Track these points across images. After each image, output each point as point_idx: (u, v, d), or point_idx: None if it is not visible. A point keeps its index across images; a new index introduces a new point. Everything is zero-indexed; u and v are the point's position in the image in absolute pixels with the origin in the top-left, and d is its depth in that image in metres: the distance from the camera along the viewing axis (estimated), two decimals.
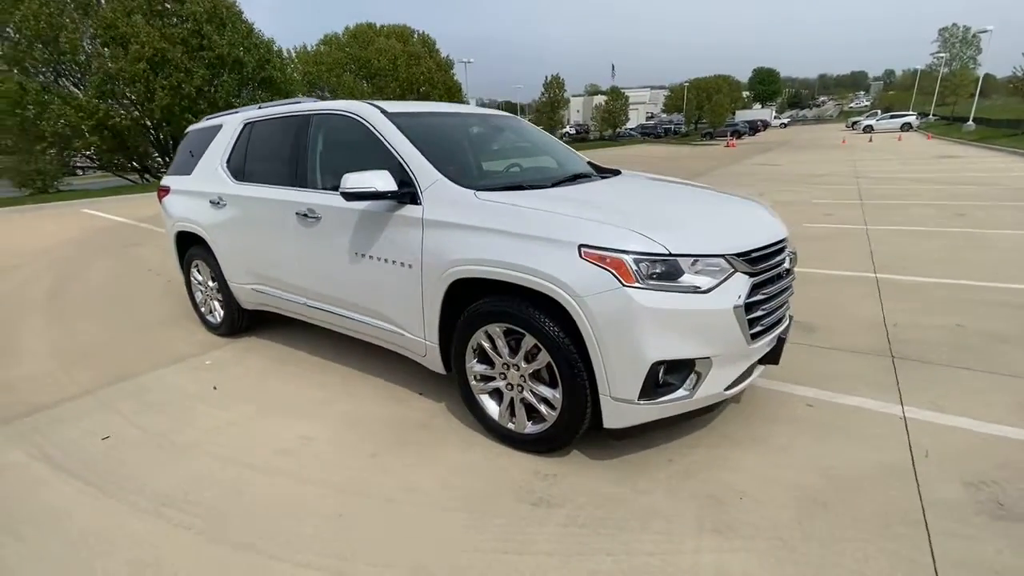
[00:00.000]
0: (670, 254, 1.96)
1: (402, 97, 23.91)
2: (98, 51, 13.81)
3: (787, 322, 2.48)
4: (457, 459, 2.38)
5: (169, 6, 14.91)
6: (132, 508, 2.13)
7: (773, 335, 2.31)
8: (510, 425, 2.41)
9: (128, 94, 14.14)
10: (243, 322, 4.01)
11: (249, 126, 3.61)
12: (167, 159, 18.02)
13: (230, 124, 3.77)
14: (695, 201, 2.75)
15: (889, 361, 3.12)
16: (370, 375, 3.29)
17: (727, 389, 2.17)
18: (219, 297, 4.00)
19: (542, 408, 2.27)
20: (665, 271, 1.97)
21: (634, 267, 1.93)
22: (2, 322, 4.63)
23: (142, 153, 16.63)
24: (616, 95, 46.16)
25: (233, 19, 16.60)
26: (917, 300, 4.14)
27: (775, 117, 70.99)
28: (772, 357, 2.38)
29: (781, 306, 2.38)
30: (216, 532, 1.98)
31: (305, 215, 3.01)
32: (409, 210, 2.52)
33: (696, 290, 1.98)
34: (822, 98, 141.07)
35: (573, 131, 58.59)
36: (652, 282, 1.95)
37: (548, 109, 35.47)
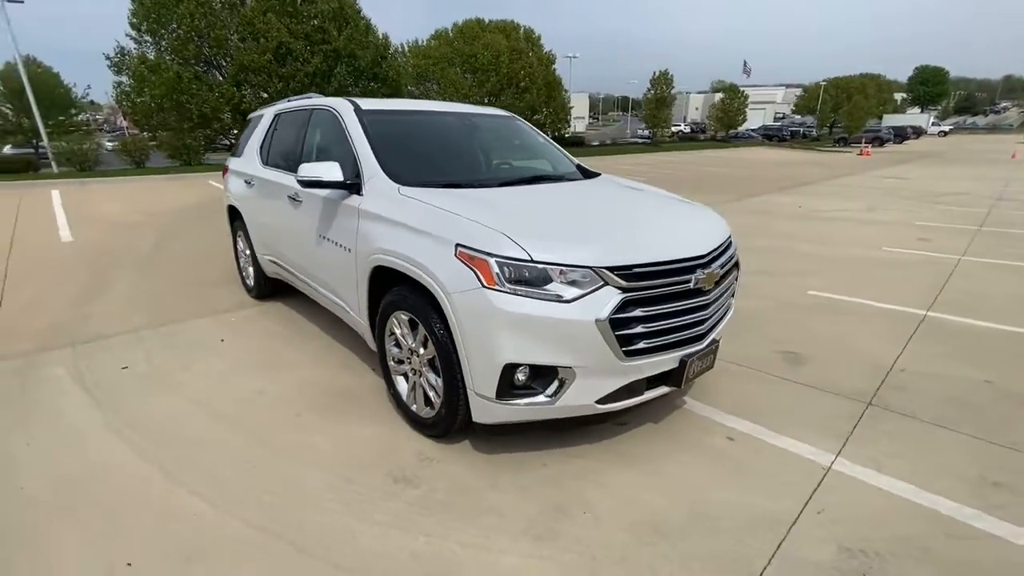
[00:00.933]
0: (532, 260, 1.98)
1: (501, 91, 24.55)
2: (237, 45, 16.05)
3: (700, 345, 2.33)
4: (363, 430, 2.60)
5: (300, 5, 16.84)
6: (106, 424, 2.65)
7: (671, 355, 2.21)
8: (413, 407, 2.58)
9: (254, 82, 16.27)
10: (267, 288, 4.57)
11: (277, 117, 4.11)
12: None
13: (267, 115, 4.31)
14: (626, 211, 2.71)
15: (861, 408, 2.76)
16: (345, 347, 3.62)
17: (600, 403, 2.14)
18: (252, 264, 4.61)
19: (431, 395, 2.41)
20: (528, 277, 1.99)
21: (496, 269, 1.99)
22: (109, 266, 5.74)
23: None
24: (734, 92, 42.80)
25: (354, 17, 18.26)
26: (954, 346, 3.54)
27: (933, 123, 60.96)
28: (675, 379, 2.28)
29: (689, 326, 2.26)
30: (148, 452, 2.41)
31: (292, 198, 3.40)
32: (354, 200, 2.77)
33: (559, 299, 1.98)
34: (1003, 103, 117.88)
35: (687, 129, 55.41)
36: (513, 286, 1.99)
37: (653, 106, 33.94)
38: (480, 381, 2.08)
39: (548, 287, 2.00)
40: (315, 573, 1.74)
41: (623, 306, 2.04)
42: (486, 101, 25.73)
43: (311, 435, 2.55)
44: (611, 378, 2.11)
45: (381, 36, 19.78)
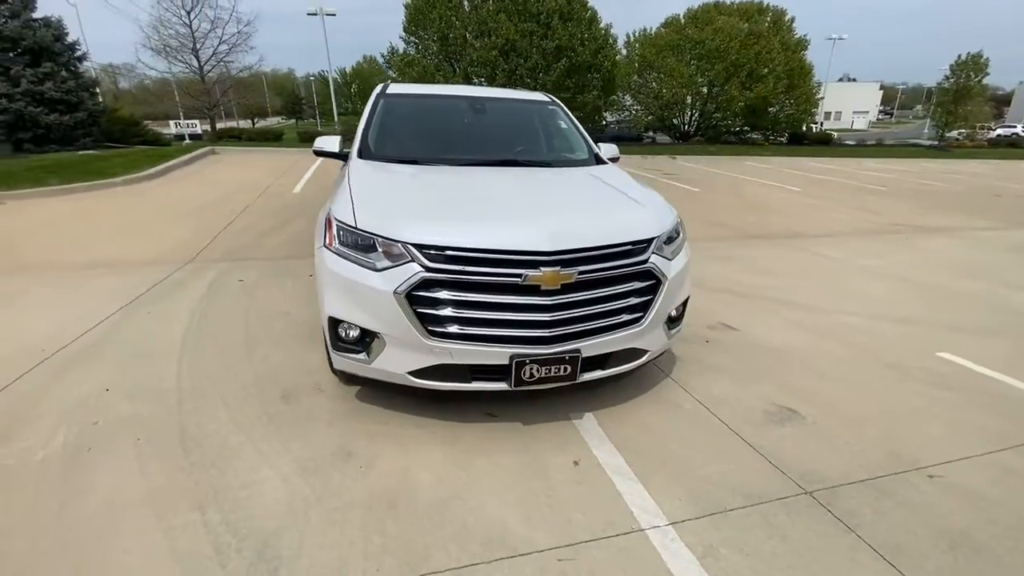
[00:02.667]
0: (356, 227, 2.18)
1: (727, 79, 22.05)
2: (471, 43, 18.45)
3: (542, 348, 2.15)
4: (309, 356, 3.16)
5: (529, 3, 18.31)
6: (190, 311, 3.84)
7: (496, 350, 2.12)
8: None
9: (481, 75, 18.48)
10: None
11: None
12: None
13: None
14: (533, 198, 2.65)
15: (788, 483, 2.08)
16: None
17: (414, 376, 2.21)
18: None
19: None
20: (354, 242, 2.20)
21: (335, 232, 2.26)
22: (306, 213, 7.65)
23: None
24: None
25: (579, 11, 18.96)
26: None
27: None
28: (515, 380, 2.17)
29: (523, 324, 2.13)
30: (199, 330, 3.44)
31: None
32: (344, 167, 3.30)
33: (372, 267, 2.14)
34: None
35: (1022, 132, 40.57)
36: (343, 249, 2.22)
37: (950, 99, 25.64)
38: (324, 331, 2.39)
39: (370, 255, 2.17)
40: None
41: (426, 284, 2.08)
42: (707, 91, 23.66)
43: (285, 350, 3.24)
44: (418, 354, 2.16)
45: (603, 27, 20.05)
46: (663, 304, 2.41)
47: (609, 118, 26.61)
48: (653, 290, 2.36)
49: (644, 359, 2.52)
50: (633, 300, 2.32)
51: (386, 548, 1.76)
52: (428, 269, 2.08)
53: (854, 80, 77.40)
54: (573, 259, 2.13)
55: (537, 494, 2.05)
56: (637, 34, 25.53)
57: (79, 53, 20.26)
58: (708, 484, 2.12)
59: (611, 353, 2.36)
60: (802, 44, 23.73)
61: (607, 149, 3.75)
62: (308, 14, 21.01)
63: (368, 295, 2.14)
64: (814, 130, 27.63)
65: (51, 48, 18.66)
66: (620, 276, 2.27)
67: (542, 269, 2.08)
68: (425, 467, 2.18)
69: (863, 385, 3.02)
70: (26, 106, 17.25)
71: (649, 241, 2.34)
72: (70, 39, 19.76)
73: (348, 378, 2.54)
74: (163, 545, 1.76)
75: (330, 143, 3.28)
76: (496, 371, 2.19)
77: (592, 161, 3.43)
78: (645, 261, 2.31)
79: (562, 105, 3.92)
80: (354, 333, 2.26)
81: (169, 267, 4.87)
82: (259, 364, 3.04)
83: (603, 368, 2.39)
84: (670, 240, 2.55)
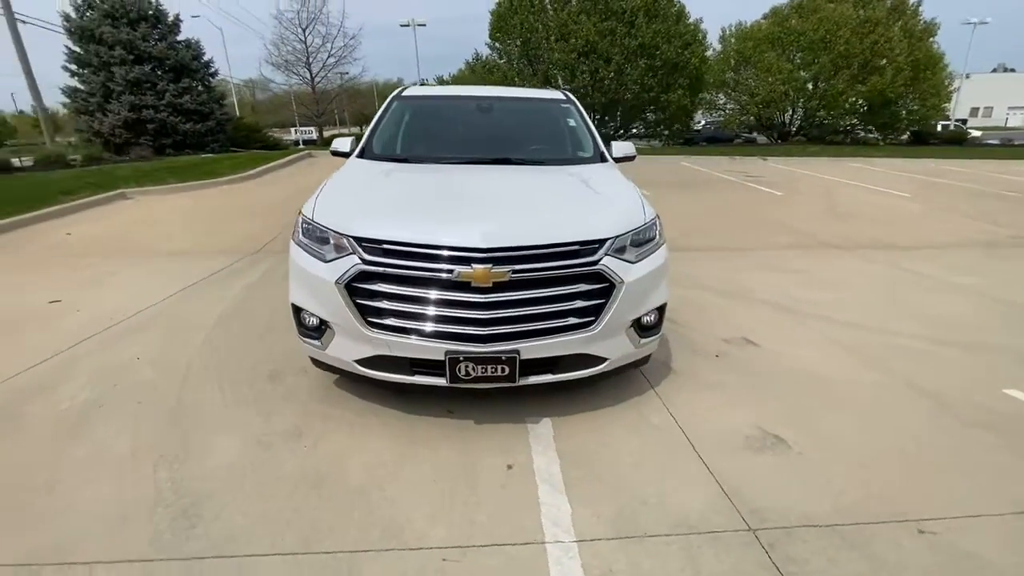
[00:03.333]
0: (312, 221, 2.30)
1: (834, 74, 19.74)
2: (551, 45, 18.48)
3: (478, 347, 2.12)
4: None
5: (612, 2, 17.94)
6: (244, 286, 4.29)
7: (431, 345, 2.14)
8: None
9: (559, 77, 18.43)
10: None
11: None
12: None
13: None
14: (499, 194, 2.62)
15: (734, 517, 1.86)
16: None
17: (361, 365, 2.30)
18: None
19: None
20: (312, 235, 2.33)
21: (299, 225, 2.41)
22: None
23: None
24: None
25: (665, 7, 18.23)
26: None
27: None
28: (450, 376, 2.17)
29: (457, 320, 2.12)
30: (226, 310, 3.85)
31: None
32: None
33: (323, 258, 2.25)
34: None
35: None
36: (304, 240, 2.37)
37: None
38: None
39: (323, 248, 2.29)
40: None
41: (364, 277, 2.14)
42: (811, 86, 21.52)
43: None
44: (361, 344, 2.24)
45: (692, 23, 19.11)
46: (621, 309, 2.27)
47: (702, 119, 25.25)
48: (606, 294, 2.23)
49: (603, 367, 2.38)
50: (580, 303, 2.21)
51: (292, 523, 1.85)
52: (365, 262, 2.15)
53: (1012, 71, 65.78)
54: (507, 257, 2.08)
55: (456, 493, 2.02)
56: (733, 28, 23.94)
57: (212, 70, 23.24)
58: (641, 506, 1.96)
59: (560, 357, 2.27)
60: (929, 31, 20.75)
61: (620, 148, 3.59)
62: (401, 25, 22.42)
63: (318, 285, 2.26)
64: (948, 127, 23.96)
65: (189, 66, 21.62)
66: (565, 277, 2.18)
67: (473, 266, 2.06)
68: (364, 454, 2.25)
69: (884, 417, 2.59)
70: (168, 116, 20.19)
71: (601, 242, 2.21)
72: (205, 58, 22.78)
73: (317, 364, 2.69)
74: (116, 490, 2.00)
75: (344, 144, 3.49)
76: (435, 366, 2.21)
77: (594, 159, 3.31)
78: (595, 263, 2.19)
79: (576, 103, 3.81)
80: (312, 321, 2.39)
81: (235, 256, 5.47)
82: (266, 346, 3.32)
83: (552, 372, 2.31)
84: (639, 243, 2.39)
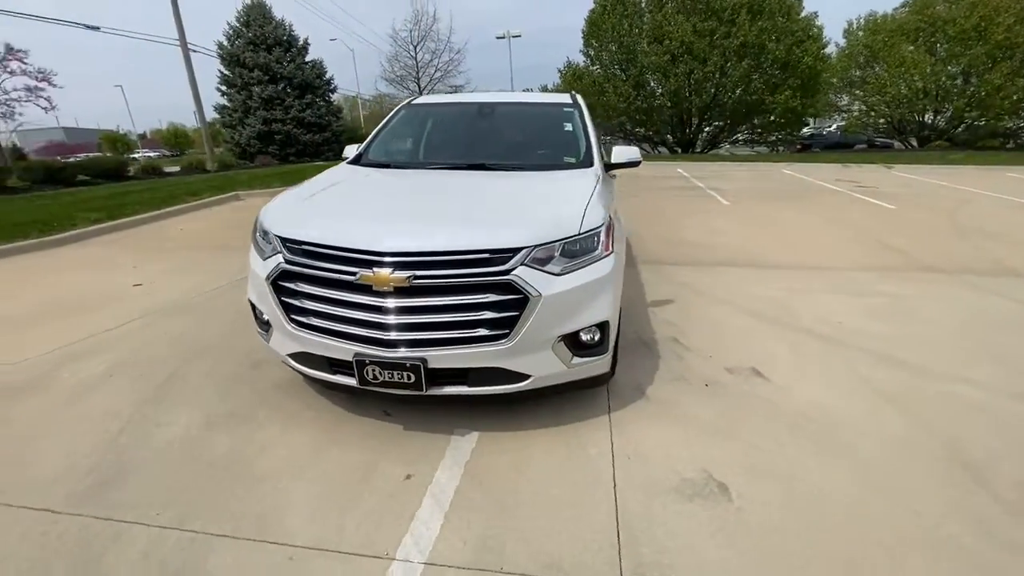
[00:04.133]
0: (259, 220, 2.45)
1: (992, 66, 16.33)
2: (643, 49, 17.78)
3: (383, 351, 2.10)
4: None
5: (711, 2, 16.78)
6: None
7: (343, 346, 2.16)
8: None
9: (651, 81, 17.65)
10: None
11: None
12: (676, 135, 21.19)
13: None
14: (454, 196, 2.66)
15: (613, 569, 1.63)
16: None
17: (291, 359, 2.40)
18: None
19: None
20: (258, 234, 2.48)
21: (257, 229, 2.58)
22: None
23: (658, 129, 20.44)
24: None
25: (772, 3, 16.64)
26: None
27: None
28: (359, 378, 2.19)
29: (362, 323, 2.13)
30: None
31: None
32: None
33: (263, 256, 2.39)
34: None
35: None
36: (255, 239, 2.53)
37: None
38: None
39: (265, 247, 2.42)
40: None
41: (287, 276, 2.23)
42: (958, 83, 18.24)
43: None
44: (288, 339, 2.33)
45: (805, 16, 17.27)
46: (540, 324, 2.11)
47: (824, 122, 22.66)
48: (520, 306, 2.08)
49: (527, 384, 2.23)
50: (491, 314, 2.08)
51: (180, 499, 1.98)
52: (287, 261, 2.24)
53: None
54: (409, 262, 2.04)
55: (343, 496, 2.02)
56: (861, 20, 21.21)
57: (332, 86, 25.86)
58: (517, 539, 1.80)
59: (475, 369, 2.17)
60: None
61: (622, 152, 3.36)
62: (497, 38, 23.14)
63: (256, 281, 2.40)
64: None
65: (313, 83, 24.24)
66: (473, 286, 2.07)
67: (374, 269, 2.04)
68: (284, 447, 2.34)
69: (887, 485, 2.10)
70: (292, 129, 22.85)
71: (514, 251, 2.07)
72: (326, 76, 25.41)
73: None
74: (75, 447, 2.31)
75: (351, 151, 3.69)
76: (349, 367, 2.22)
77: (580, 165, 3.11)
78: (505, 272, 2.05)
79: (581, 107, 3.62)
80: (262, 315, 2.55)
81: None
82: None
83: (467, 385, 2.21)
84: (572, 254, 2.20)
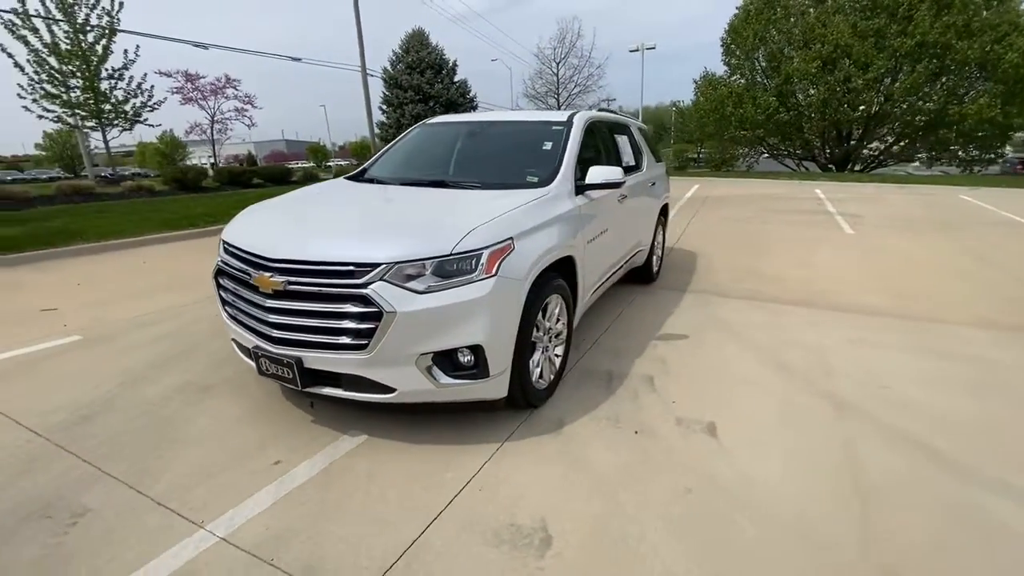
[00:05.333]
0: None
1: None
2: (788, 55, 15.74)
3: (269, 346, 2.36)
4: None
5: None
6: None
7: (250, 340, 2.47)
8: None
9: (796, 91, 15.51)
10: None
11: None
12: (828, 150, 18.24)
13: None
14: (392, 210, 2.87)
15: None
16: None
17: (232, 341, 2.79)
18: None
19: None
20: None
21: None
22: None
23: (805, 142, 17.81)
24: None
25: None
26: None
27: None
28: (258, 368, 2.49)
29: (253, 318, 2.41)
30: None
31: None
32: None
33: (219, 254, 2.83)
34: None
35: None
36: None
37: None
38: None
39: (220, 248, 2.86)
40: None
41: (220, 272, 2.62)
42: None
43: None
44: (227, 326, 2.71)
45: (1012, 3, 13.70)
46: (398, 340, 2.16)
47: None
48: (377, 319, 2.15)
49: (393, 397, 2.29)
50: (352, 324, 2.19)
51: (110, 445, 2.45)
52: (221, 259, 2.62)
53: None
54: (288, 269, 2.25)
55: (219, 465, 2.31)
56: None
57: (475, 104, 27.94)
58: (309, 540, 1.88)
59: (345, 375, 2.30)
60: None
61: (599, 173, 3.17)
62: (630, 51, 22.62)
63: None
64: None
65: (457, 101, 26.43)
66: (335, 296, 2.20)
67: (260, 272, 2.31)
68: (213, 420, 2.71)
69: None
70: None
71: (372, 266, 2.15)
72: (470, 94, 27.51)
73: None
74: (88, 392, 2.98)
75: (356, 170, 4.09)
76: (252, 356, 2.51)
77: (540, 184, 3.03)
78: (362, 286, 2.15)
79: (573, 127, 3.48)
80: None
81: None
82: None
83: (340, 387, 2.35)
84: (445, 274, 2.21)
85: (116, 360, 3.47)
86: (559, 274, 2.88)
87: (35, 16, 13.65)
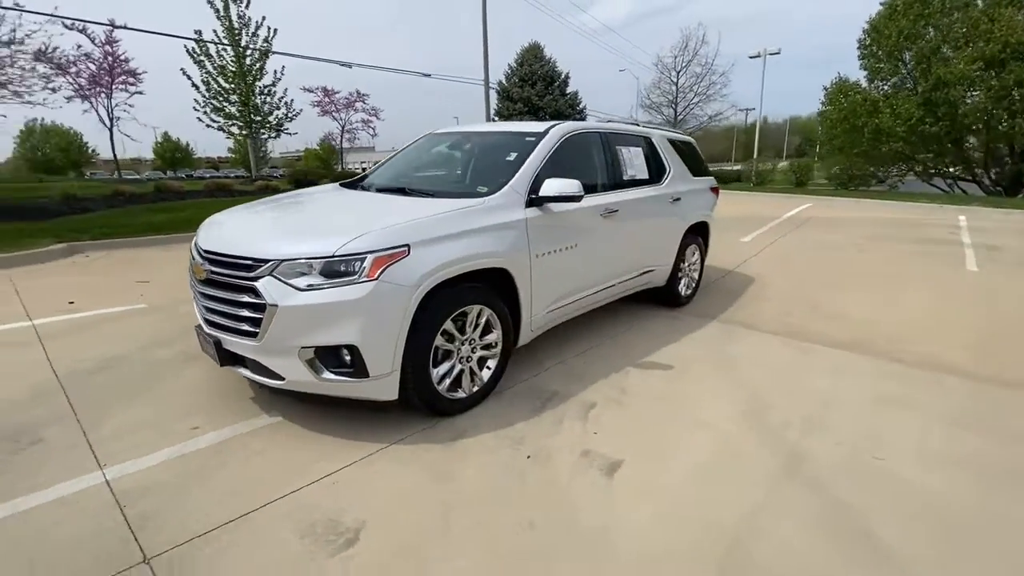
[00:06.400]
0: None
1: None
2: (942, 54, 13.10)
3: (203, 325, 2.71)
4: None
5: None
6: None
7: (199, 316, 2.86)
8: None
9: (949, 97, 12.80)
10: None
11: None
12: (992, 169, 14.74)
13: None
14: (337, 212, 3.11)
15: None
16: None
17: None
18: None
19: None
20: None
21: None
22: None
23: (964, 159, 14.51)
24: None
25: None
26: None
27: None
28: (199, 342, 2.87)
29: (206, 309, 2.75)
30: None
31: None
32: None
33: None
34: None
35: None
36: None
37: None
38: None
39: None
40: None
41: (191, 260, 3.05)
42: None
43: None
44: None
45: None
46: (281, 331, 2.35)
47: None
48: (263, 310, 2.36)
49: (283, 384, 2.49)
50: (248, 313, 2.43)
51: (79, 399, 2.99)
52: (193, 246, 3.04)
53: None
54: (209, 259, 2.57)
55: (157, 421, 2.71)
56: None
57: (584, 116, 28.07)
58: (157, 497, 2.14)
59: (249, 359, 2.54)
60: None
61: (552, 186, 3.08)
62: (750, 57, 20.69)
63: None
64: None
65: (564, 112, 26.67)
66: (237, 287, 2.46)
67: (194, 260, 2.67)
68: (178, 379, 3.17)
69: None
70: None
71: (263, 262, 2.35)
72: (580, 106, 27.60)
73: None
74: (133, 338, 3.65)
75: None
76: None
77: (486, 194, 3.02)
78: (254, 279, 2.37)
79: (548, 138, 3.39)
80: None
81: None
82: None
83: (248, 369, 2.59)
84: (330, 274, 2.35)
85: (157, 326, 4.18)
86: (488, 284, 2.86)
87: (211, 42, 16.78)
